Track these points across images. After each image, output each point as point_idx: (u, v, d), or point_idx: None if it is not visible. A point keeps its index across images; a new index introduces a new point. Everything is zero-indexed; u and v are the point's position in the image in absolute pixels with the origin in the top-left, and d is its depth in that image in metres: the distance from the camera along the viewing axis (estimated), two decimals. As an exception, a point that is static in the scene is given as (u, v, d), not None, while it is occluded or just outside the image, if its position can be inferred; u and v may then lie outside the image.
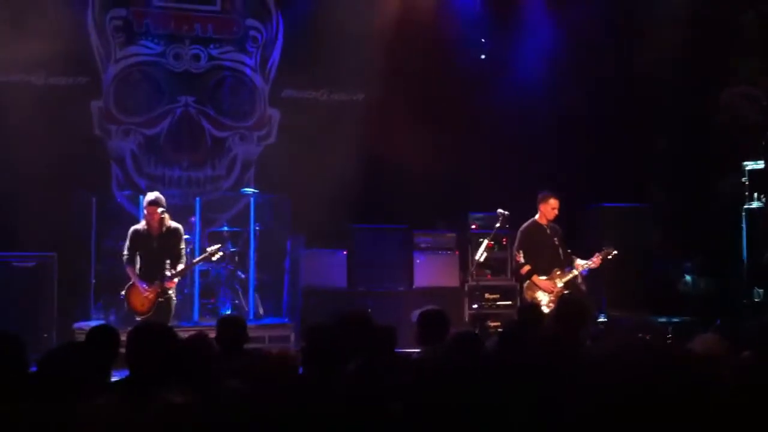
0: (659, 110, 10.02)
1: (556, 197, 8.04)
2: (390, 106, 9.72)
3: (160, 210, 7.21)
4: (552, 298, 7.75)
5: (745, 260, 8.77)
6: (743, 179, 8.75)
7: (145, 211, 7.30)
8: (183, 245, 7.42)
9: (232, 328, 4.92)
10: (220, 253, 7.69)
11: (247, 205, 9.50)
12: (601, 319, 8.78)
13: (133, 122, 9.72)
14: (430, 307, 5.32)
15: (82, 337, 6.62)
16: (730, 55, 9.64)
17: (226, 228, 9.37)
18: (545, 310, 7.48)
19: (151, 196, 7.35)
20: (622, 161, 10.02)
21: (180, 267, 7.35)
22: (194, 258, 8.07)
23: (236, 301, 9.11)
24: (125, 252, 7.35)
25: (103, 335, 4.50)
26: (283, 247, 9.62)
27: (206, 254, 7.63)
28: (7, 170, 8.64)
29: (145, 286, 7.21)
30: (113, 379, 4.36)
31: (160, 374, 3.33)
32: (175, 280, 7.35)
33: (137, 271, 7.28)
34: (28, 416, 2.96)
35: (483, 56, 10.48)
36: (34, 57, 9.02)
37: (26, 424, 2.93)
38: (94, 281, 8.93)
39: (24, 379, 3.69)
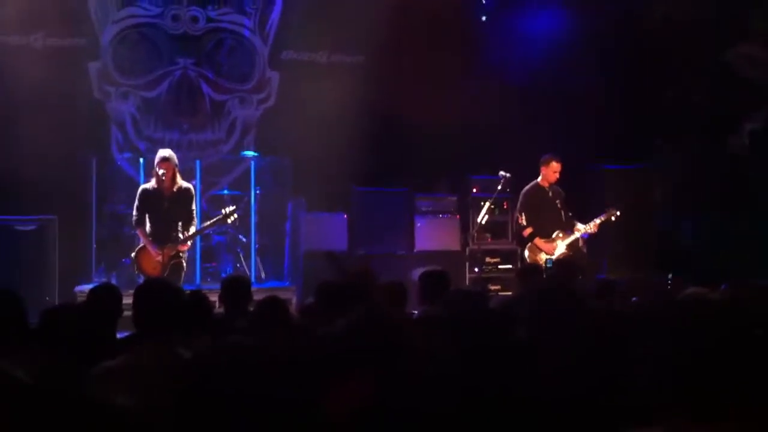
0: (663, 69, 9.92)
1: (558, 160, 8.03)
2: (391, 68, 9.63)
3: (173, 166, 7.00)
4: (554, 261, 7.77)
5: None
6: (745, 137, 8.74)
7: (158, 168, 7.00)
8: (194, 206, 7.20)
9: (237, 288, 4.92)
10: (236, 215, 7.37)
11: (248, 169, 9.46)
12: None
13: (131, 84, 9.64)
14: (431, 267, 5.36)
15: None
16: (744, 14, 9.52)
17: (226, 191, 9.34)
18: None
19: (165, 152, 7.10)
20: (625, 121, 9.96)
21: (192, 229, 7.13)
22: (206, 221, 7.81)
23: (238, 265, 9.10)
24: (134, 213, 7.13)
25: (106, 294, 4.49)
26: (283, 211, 9.60)
27: (221, 216, 7.32)
28: (7, 133, 8.59)
29: (157, 249, 6.99)
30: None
31: (166, 330, 3.32)
32: (189, 243, 7.16)
33: (147, 233, 7.08)
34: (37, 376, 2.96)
35: (484, 17, 10.38)
36: (31, 18, 8.95)
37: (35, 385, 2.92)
38: (95, 245, 8.90)
39: (26, 337, 3.69)
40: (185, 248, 7.14)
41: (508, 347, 2.61)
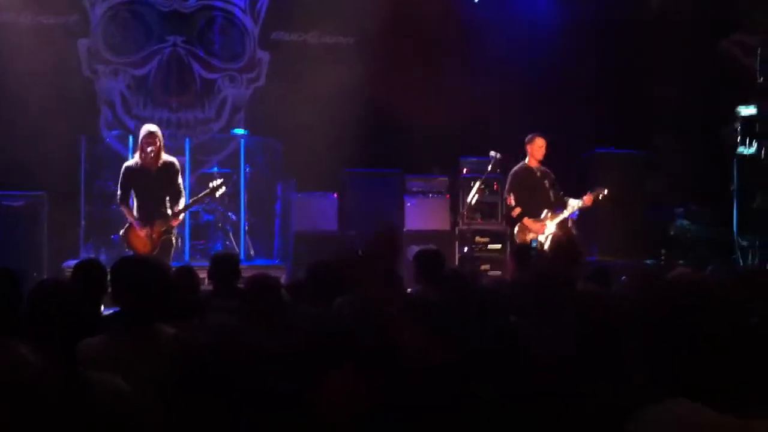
0: (658, 57, 9.95)
1: (542, 137, 8.07)
2: (382, 49, 9.57)
3: (160, 140, 6.94)
4: (543, 240, 7.79)
5: (735, 206, 8.84)
6: (736, 125, 8.76)
7: (143, 143, 6.93)
8: (181, 180, 7.14)
9: (225, 264, 4.92)
10: (223, 188, 7.33)
11: (238, 147, 9.44)
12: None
13: (121, 62, 9.57)
14: (426, 246, 5.37)
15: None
16: (738, 6, 9.59)
17: (216, 170, 9.31)
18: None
19: (151, 127, 7.03)
20: (618, 108, 9.97)
21: (182, 204, 7.06)
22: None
23: (227, 243, 9.09)
24: (118, 190, 7.06)
25: (90, 270, 4.47)
26: (273, 190, 9.59)
27: (209, 190, 7.26)
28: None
29: (141, 226, 6.91)
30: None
31: (149, 307, 3.30)
32: (179, 218, 7.11)
33: (134, 211, 7.02)
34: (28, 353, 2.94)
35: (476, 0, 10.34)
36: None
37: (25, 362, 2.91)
38: (83, 221, 8.89)
39: (19, 313, 3.68)
40: (176, 223, 7.09)
41: (501, 342, 2.61)
